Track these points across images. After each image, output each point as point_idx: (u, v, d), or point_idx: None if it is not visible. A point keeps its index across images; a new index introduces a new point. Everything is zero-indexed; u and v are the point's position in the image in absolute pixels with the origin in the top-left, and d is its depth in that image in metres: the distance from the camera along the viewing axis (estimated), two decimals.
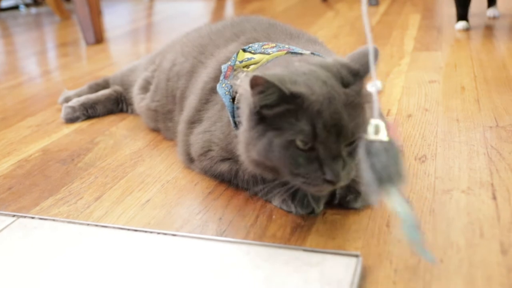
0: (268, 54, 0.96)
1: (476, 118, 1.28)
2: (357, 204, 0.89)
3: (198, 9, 3.78)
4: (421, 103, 1.41)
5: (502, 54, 1.86)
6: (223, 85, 0.95)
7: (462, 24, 2.28)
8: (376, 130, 0.68)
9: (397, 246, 0.79)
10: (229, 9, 3.67)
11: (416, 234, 0.65)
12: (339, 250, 0.77)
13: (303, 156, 0.76)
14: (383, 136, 0.68)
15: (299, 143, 0.75)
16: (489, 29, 2.32)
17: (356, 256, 0.74)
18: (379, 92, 0.76)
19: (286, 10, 3.26)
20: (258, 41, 1.08)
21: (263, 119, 0.78)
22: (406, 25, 2.50)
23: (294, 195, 0.89)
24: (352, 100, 0.77)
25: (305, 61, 0.84)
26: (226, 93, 0.93)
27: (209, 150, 1.00)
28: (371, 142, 0.68)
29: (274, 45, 1.00)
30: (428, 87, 1.54)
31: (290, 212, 0.90)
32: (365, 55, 0.79)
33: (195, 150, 1.02)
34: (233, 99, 0.91)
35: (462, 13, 2.28)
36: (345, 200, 0.90)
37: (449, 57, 1.87)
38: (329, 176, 0.75)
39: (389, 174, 0.65)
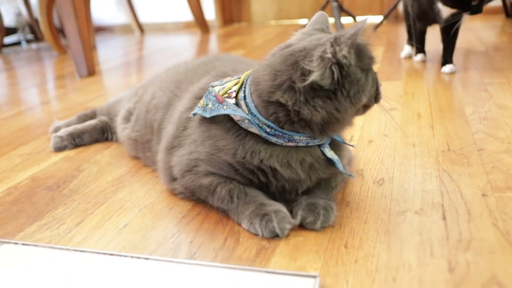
0: (238, 78, 0.97)
1: (430, 143, 1.28)
2: (317, 226, 0.87)
3: (184, 42, 3.78)
4: (381, 129, 1.41)
5: (455, 83, 1.87)
6: (224, 107, 0.92)
7: (420, 56, 2.30)
8: None
9: (353, 266, 0.77)
10: (213, 43, 3.68)
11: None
12: (299, 272, 0.75)
13: (376, 78, 0.92)
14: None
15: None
16: None
17: (314, 277, 0.72)
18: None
19: (263, 44, 3.27)
20: (226, 74, 1.09)
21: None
22: None
23: (261, 219, 0.87)
24: None
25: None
26: (235, 109, 0.91)
27: (195, 166, 0.97)
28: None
29: (231, 77, 1.00)
30: (388, 114, 1.54)
31: (256, 234, 0.88)
32: (320, 16, 0.99)
33: (179, 169, 1.00)
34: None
35: (420, 47, 2.31)
36: (305, 222, 0.88)
37: (408, 86, 1.88)
38: (380, 82, 0.94)
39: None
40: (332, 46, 0.82)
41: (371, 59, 0.89)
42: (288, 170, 0.92)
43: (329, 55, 0.82)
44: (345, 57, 0.82)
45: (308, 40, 0.89)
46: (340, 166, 0.95)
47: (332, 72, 0.83)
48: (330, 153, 0.94)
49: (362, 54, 0.86)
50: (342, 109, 0.86)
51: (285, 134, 0.88)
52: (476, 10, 1.87)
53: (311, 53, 0.84)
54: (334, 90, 0.84)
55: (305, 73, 0.84)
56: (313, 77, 0.83)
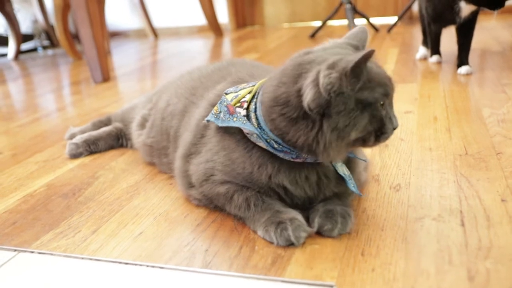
0: (253, 85, 0.95)
1: (447, 146, 1.26)
2: (334, 233, 0.86)
3: (198, 46, 3.79)
4: (397, 133, 1.39)
5: (471, 85, 1.84)
6: (234, 119, 0.91)
7: (435, 57, 2.27)
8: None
9: (370, 274, 0.76)
10: (227, 46, 3.68)
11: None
12: (315, 281, 0.74)
13: (382, 116, 0.82)
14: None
15: (380, 106, 0.81)
16: None
17: (331, 286, 0.71)
18: None
19: (277, 47, 3.26)
20: (243, 80, 1.08)
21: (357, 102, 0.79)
22: (385, 58, 2.49)
23: (277, 227, 0.86)
24: None
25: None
26: (244, 122, 0.90)
27: (212, 175, 0.97)
28: None
29: (247, 84, 0.98)
30: (404, 117, 1.52)
31: (272, 242, 0.87)
32: (359, 32, 0.91)
33: (196, 178, 1.00)
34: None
35: (436, 48, 2.28)
36: (323, 229, 0.87)
37: (423, 89, 1.86)
38: (396, 124, 0.85)
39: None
40: (327, 68, 0.78)
41: (378, 93, 0.80)
42: (298, 189, 0.91)
43: (321, 79, 0.77)
44: (334, 83, 0.77)
45: (328, 52, 0.85)
46: (350, 183, 0.91)
47: (321, 96, 0.78)
48: (341, 169, 0.92)
49: (366, 86, 0.79)
50: (325, 140, 0.80)
51: (293, 150, 0.86)
52: (499, 4, 1.83)
53: (311, 70, 0.81)
54: (322, 117, 0.80)
55: (301, 91, 0.81)
56: (307, 98, 0.79)
